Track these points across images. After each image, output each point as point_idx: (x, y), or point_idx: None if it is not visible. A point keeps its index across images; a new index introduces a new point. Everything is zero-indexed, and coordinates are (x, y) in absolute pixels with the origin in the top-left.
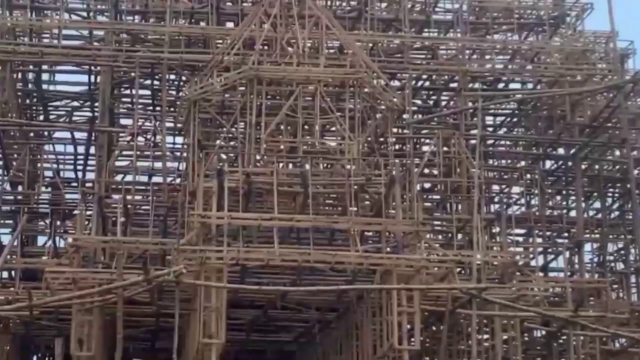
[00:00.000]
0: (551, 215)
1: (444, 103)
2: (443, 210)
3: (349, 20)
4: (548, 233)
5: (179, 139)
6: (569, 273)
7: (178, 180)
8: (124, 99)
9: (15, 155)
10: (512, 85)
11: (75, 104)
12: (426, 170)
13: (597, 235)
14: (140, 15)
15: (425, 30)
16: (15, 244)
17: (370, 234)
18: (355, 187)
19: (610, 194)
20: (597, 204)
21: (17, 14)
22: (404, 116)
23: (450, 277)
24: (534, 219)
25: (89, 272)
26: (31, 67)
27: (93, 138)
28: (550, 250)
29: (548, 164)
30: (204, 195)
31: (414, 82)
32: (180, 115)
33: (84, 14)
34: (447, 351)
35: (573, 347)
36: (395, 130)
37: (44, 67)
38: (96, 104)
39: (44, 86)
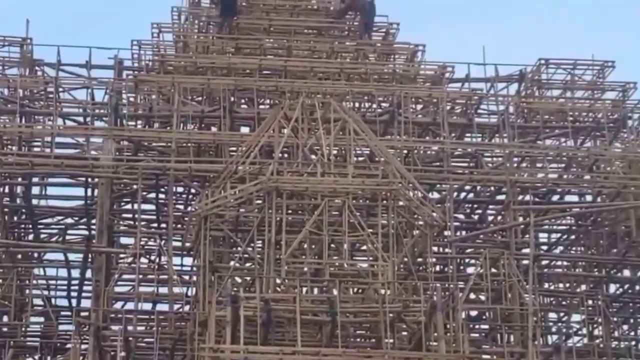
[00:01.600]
0: (617, 347)
1: (490, 218)
2: (492, 342)
3: (381, 124)
4: None
5: (188, 261)
6: None
7: (187, 308)
8: (124, 215)
9: (1, 281)
10: (567, 198)
11: (69, 221)
12: (472, 296)
13: None
14: (144, 120)
15: (468, 135)
16: None
17: None
18: (391, 315)
19: None
20: None
21: (5, 119)
22: (445, 233)
23: None
24: (597, 352)
25: None
26: (20, 179)
27: (89, 260)
28: None
29: (612, 288)
30: (217, 325)
31: (455, 194)
32: (189, 233)
33: (80, 119)
34: None
35: None
36: (435, 249)
37: (35, 179)
38: (93, 221)
39: (34, 201)
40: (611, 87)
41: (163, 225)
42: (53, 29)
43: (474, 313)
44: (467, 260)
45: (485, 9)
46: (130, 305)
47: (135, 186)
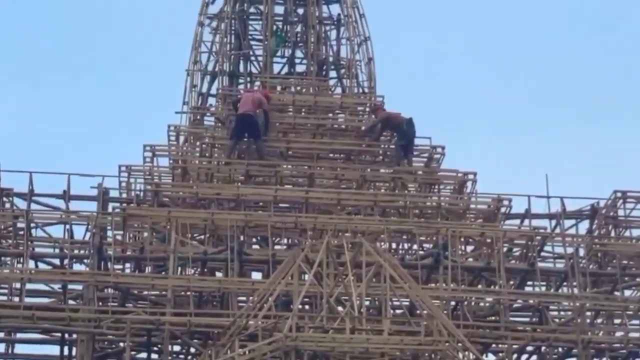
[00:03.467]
0: None
1: None
2: None
3: (423, 269)
4: None
5: None
6: None
7: None
8: None
9: None
10: None
11: None
12: None
13: None
14: (133, 263)
15: (529, 283)
16: None
17: None
18: None
19: None
20: None
21: None
22: None
23: None
24: None
25: None
26: None
27: None
28: None
29: None
30: None
31: (515, 355)
32: None
33: (56, 261)
34: None
35: None
36: None
37: (0, 334)
38: None
39: None
40: None
41: None
42: (25, 152)
43: None
44: None
45: (548, 130)
46: None
47: (122, 344)
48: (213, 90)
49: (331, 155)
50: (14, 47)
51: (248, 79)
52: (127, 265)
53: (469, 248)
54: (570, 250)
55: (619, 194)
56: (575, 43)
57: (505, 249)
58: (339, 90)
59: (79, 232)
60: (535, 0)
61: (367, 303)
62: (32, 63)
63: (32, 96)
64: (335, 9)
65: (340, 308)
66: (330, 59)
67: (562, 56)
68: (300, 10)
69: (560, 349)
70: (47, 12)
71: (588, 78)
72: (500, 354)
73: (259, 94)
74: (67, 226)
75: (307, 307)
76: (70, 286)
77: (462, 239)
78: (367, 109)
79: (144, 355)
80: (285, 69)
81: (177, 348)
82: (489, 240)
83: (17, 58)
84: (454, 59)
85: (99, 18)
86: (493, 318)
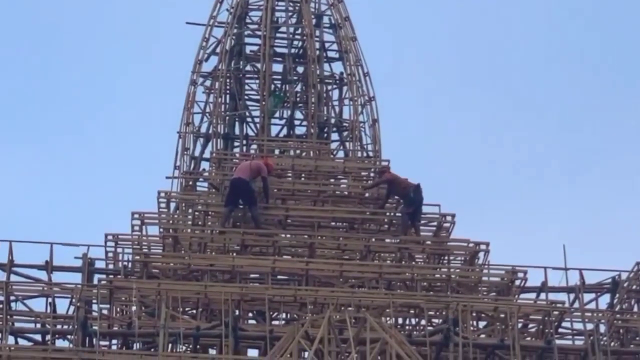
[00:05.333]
0: None
1: None
2: None
3: (432, 346)
4: None
5: None
6: None
7: None
8: None
9: None
10: None
11: None
12: None
13: None
14: (120, 339)
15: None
16: None
17: None
18: None
19: None
20: None
21: None
22: None
23: None
24: None
25: None
26: None
27: None
28: None
29: None
30: None
31: None
32: None
33: (38, 337)
34: None
35: None
36: None
37: None
38: None
39: None
40: None
41: None
42: (4, 221)
43: None
44: None
45: (565, 197)
46: None
47: None
48: (206, 154)
49: (333, 223)
50: None
51: (244, 141)
52: (114, 341)
53: (482, 324)
54: (590, 326)
55: None
56: (597, 109)
57: (520, 325)
58: (341, 154)
59: (62, 305)
60: (552, 59)
61: None
62: (12, 127)
63: (13, 160)
64: (337, 67)
65: None
66: (332, 120)
67: (574, 118)
68: (300, 69)
69: None
70: (38, 73)
71: (605, 143)
72: None
73: (258, 161)
74: (50, 299)
75: None
76: None
77: (474, 314)
78: (372, 174)
79: None
80: (284, 131)
81: None
82: (502, 316)
83: None
84: (464, 121)
85: (86, 77)
86: None
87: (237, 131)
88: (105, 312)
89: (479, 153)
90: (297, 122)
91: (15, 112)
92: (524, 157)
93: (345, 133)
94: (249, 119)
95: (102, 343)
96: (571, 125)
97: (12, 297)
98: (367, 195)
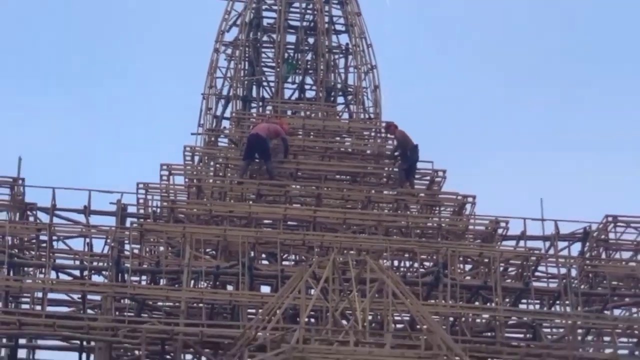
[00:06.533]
0: None
1: None
2: None
3: (424, 286)
4: None
5: None
6: None
7: None
8: None
9: None
10: None
11: None
12: None
13: None
14: (149, 275)
15: (524, 301)
16: None
17: None
18: None
19: None
20: None
21: None
22: None
23: None
24: None
25: None
26: (5, 340)
27: None
28: None
29: None
30: None
31: None
32: None
33: (76, 272)
34: None
35: None
36: None
37: (22, 340)
38: None
39: None
40: None
41: None
42: (48, 169)
43: None
44: None
45: (545, 157)
46: None
47: (137, 352)
48: (227, 114)
49: (338, 177)
50: (38, 62)
51: (260, 103)
52: (144, 277)
53: (467, 267)
54: (563, 270)
55: (610, 218)
56: (575, 73)
57: (501, 269)
58: (346, 115)
59: (98, 245)
60: (540, 21)
61: (370, 317)
62: (58, 82)
63: (56, 114)
64: (344, 38)
65: (344, 322)
66: (339, 86)
67: (560, 83)
68: (311, 40)
69: None
70: (77, 34)
71: (581, 105)
72: None
73: (276, 125)
74: (87, 239)
75: (313, 320)
76: (89, 296)
77: (461, 258)
78: (374, 133)
79: None
80: (296, 95)
81: (189, 357)
82: (486, 260)
83: (41, 74)
84: (457, 85)
85: (124, 46)
86: (489, 334)
87: (254, 94)
88: (136, 251)
89: (470, 117)
90: (307, 87)
91: (58, 62)
92: (510, 120)
93: (349, 97)
94: (265, 84)
95: (133, 279)
96: (552, 83)
97: (54, 237)
98: (368, 152)
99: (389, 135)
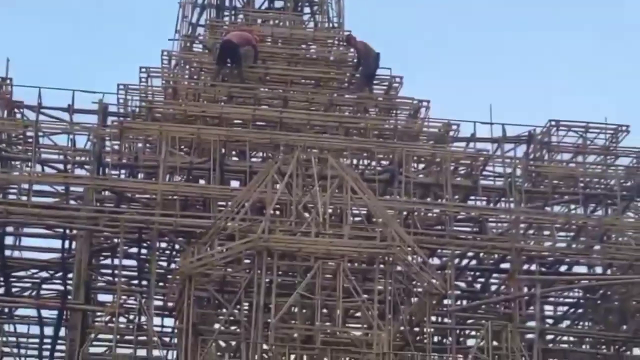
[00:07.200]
0: None
1: (493, 288)
2: None
3: (380, 183)
4: None
5: (169, 321)
6: None
7: None
8: (103, 270)
9: None
10: (576, 269)
11: (44, 274)
12: None
13: None
14: (128, 170)
15: (472, 198)
16: None
17: None
18: None
19: None
20: None
21: None
22: (445, 302)
23: None
24: None
25: None
26: None
27: (64, 317)
28: None
29: None
30: None
31: (457, 260)
32: (172, 292)
33: (60, 166)
34: None
35: None
36: (434, 318)
37: (9, 228)
38: (70, 276)
39: (7, 252)
40: (625, 152)
41: (144, 282)
42: (34, 70)
43: None
44: (467, 332)
45: (494, 64)
46: None
47: (116, 240)
48: (202, 21)
49: (303, 81)
50: None
51: (233, 11)
52: (123, 171)
53: (421, 166)
54: (508, 170)
55: (552, 123)
56: None
57: (452, 168)
58: (311, 24)
59: (81, 141)
60: None
61: (330, 211)
62: None
63: (44, 18)
64: None
65: (307, 214)
66: None
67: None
68: None
69: (496, 256)
70: None
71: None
72: (444, 259)
73: (248, 33)
74: (71, 136)
75: (278, 212)
76: (72, 188)
77: (415, 158)
78: (338, 41)
79: (134, 250)
80: (265, 5)
81: (164, 245)
82: (438, 160)
83: None
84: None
85: None
86: (439, 227)
87: (227, 3)
88: (116, 147)
89: (427, 24)
90: None
91: None
92: (463, 28)
93: (315, 7)
94: None
95: (112, 172)
96: None
97: (40, 134)
98: (331, 58)
99: (350, 49)
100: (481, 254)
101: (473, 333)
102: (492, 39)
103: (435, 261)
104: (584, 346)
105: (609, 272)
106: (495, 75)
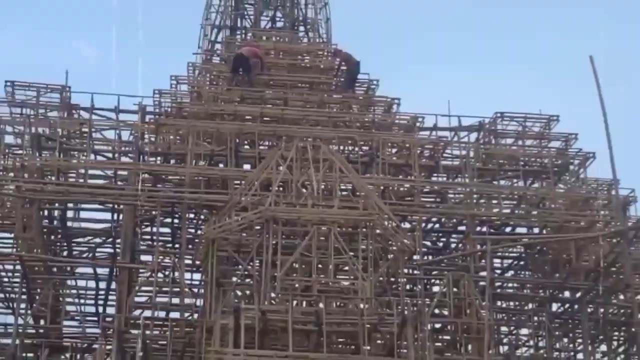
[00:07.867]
0: (559, 357)
1: (453, 245)
2: (454, 350)
3: (362, 164)
4: None
5: (197, 276)
6: None
7: (195, 317)
8: (144, 237)
9: (39, 290)
10: (518, 230)
11: (98, 240)
12: (437, 311)
13: None
14: (162, 157)
15: (434, 175)
16: None
17: None
18: (368, 326)
19: (615, 338)
20: (603, 347)
21: (46, 154)
22: (415, 257)
23: None
24: None
25: None
26: (57, 205)
27: (114, 274)
28: None
29: (555, 307)
30: (221, 332)
31: (424, 224)
32: (199, 253)
33: (109, 155)
34: None
35: None
36: (406, 271)
37: (70, 205)
38: (118, 241)
39: (69, 223)
40: (556, 137)
41: (177, 245)
42: (88, 79)
43: (438, 326)
44: (433, 281)
45: (452, 67)
46: (148, 313)
47: (154, 212)
48: (219, 39)
49: (300, 85)
50: None
51: (243, 31)
52: (158, 158)
53: (394, 150)
54: (464, 152)
55: (498, 114)
56: None
57: (418, 152)
58: (305, 40)
59: (125, 135)
60: None
61: (322, 187)
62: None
63: (96, 44)
64: None
65: (304, 190)
66: (300, 18)
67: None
68: None
69: (455, 220)
70: None
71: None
72: (414, 223)
73: (255, 48)
74: (117, 131)
75: (281, 189)
76: (118, 172)
77: (389, 144)
78: (327, 53)
79: (168, 220)
80: (269, 25)
81: (192, 216)
82: (407, 145)
83: None
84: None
85: None
86: (409, 199)
87: (239, 24)
88: (152, 139)
89: (397, 37)
90: (277, 19)
91: None
92: (429, 33)
93: (308, 27)
94: (246, 16)
95: (150, 159)
96: None
97: (93, 129)
98: (322, 66)
99: (336, 59)
100: (443, 219)
101: (437, 282)
102: (450, 44)
103: (407, 225)
104: (525, 291)
105: (544, 232)
106: (452, 76)
